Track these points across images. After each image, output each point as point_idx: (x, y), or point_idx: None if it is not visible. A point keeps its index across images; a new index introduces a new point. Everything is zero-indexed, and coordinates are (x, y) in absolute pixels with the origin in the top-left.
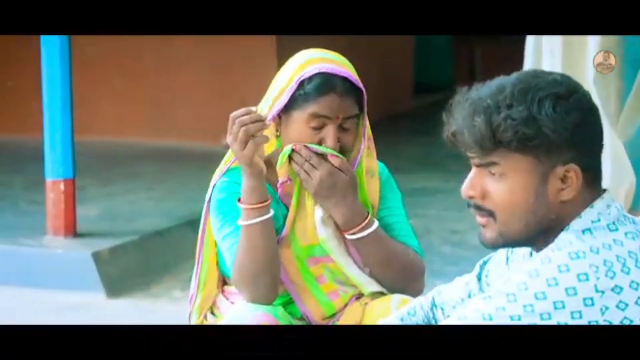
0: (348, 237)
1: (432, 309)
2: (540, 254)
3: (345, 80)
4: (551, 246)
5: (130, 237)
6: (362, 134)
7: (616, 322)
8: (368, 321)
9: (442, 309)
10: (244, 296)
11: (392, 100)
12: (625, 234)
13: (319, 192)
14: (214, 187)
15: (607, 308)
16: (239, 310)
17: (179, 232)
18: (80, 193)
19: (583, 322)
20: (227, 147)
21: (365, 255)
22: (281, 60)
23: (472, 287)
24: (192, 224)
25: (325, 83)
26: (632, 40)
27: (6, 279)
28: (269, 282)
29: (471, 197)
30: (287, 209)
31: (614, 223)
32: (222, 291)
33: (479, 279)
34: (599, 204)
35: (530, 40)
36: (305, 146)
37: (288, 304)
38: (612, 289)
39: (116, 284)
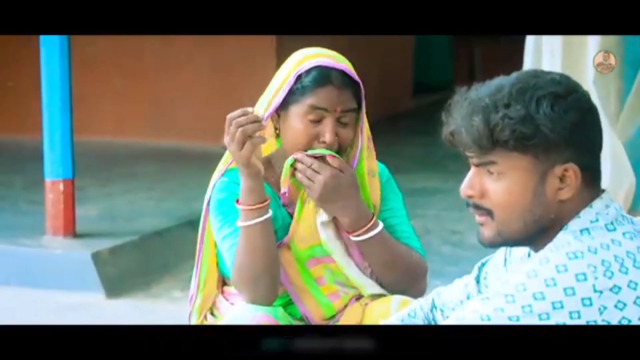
0: (354, 238)
1: (431, 311)
2: (539, 254)
3: (343, 73)
4: (549, 246)
5: (129, 237)
6: (360, 131)
7: (614, 322)
8: (368, 322)
9: (442, 311)
10: (243, 297)
11: (392, 100)
12: (624, 234)
13: (324, 196)
14: (213, 187)
15: (605, 308)
16: (239, 311)
17: (178, 232)
18: (80, 193)
19: (581, 322)
20: (224, 148)
21: (369, 257)
22: (281, 60)
23: (471, 290)
24: (192, 224)
25: (322, 75)
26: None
27: (5, 279)
28: (269, 282)
29: (470, 197)
30: (288, 211)
31: (612, 223)
32: (222, 292)
33: (478, 281)
34: (597, 204)
35: (530, 40)
36: (306, 154)
37: (288, 304)
38: (611, 289)
39: (116, 284)
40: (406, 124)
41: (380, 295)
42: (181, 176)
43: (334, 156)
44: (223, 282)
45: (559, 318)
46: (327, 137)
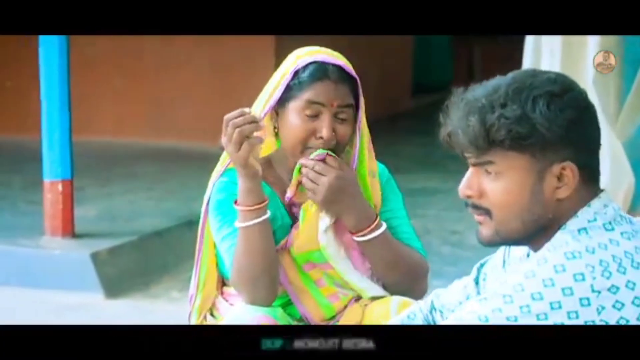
0: (357, 239)
1: (431, 312)
2: (537, 254)
3: (340, 68)
4: (547, 246)
5: (129, 238)
6: (357, 128)
7: (612, 322)
8: (368, 323)
9: (441, 312)
10: (243, 298)
11: (391, 100)
12: (622, 233)
13: (329, 198)
14: (212, 187)
15: (603, 308)
16: (239, 311)
17: (178, 233)
18: (79, 193)
19: (579, 322)
20: (221, 149)
21: (372, 257)
22: (280, 60)
23: (470, 291)
24: (192, 224)
25: (319, 70)
26: (632, 40)
27: (5, 279)
28: (268, 283)
29: (468, 197)
30: (288, 213)
31: (610, 223)
32: (222, 293)
33: (477, 282)
34: (595, 203)
35: (530, 40)
36: (310, 158)
37: (287, 305)
38: (609, 289)
39: (115, 285)
40: (406, 124)
41: (380, 297)
42: (181, 176)
43: (332, 156)
44: (222, 282)
45: (557, 318)
46: (324, 132)
